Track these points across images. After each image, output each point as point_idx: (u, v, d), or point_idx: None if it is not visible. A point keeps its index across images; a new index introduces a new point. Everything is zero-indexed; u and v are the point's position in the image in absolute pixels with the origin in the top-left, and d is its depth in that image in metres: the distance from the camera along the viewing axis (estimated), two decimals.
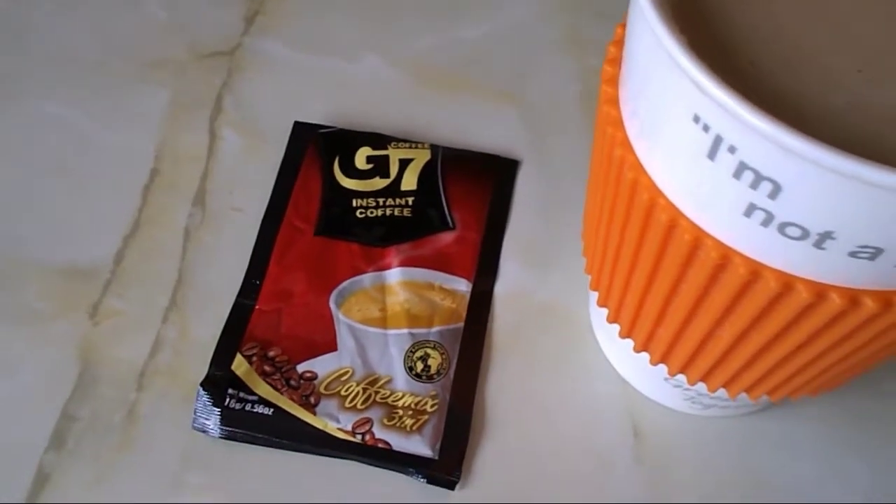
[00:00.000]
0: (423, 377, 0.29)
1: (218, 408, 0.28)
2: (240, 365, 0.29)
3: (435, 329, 0.30)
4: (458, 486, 0.27)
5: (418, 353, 0.29)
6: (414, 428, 0.27)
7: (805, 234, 0.16)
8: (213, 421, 0.28)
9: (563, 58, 0.37)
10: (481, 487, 0.27)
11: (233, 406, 0.28)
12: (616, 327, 0.25)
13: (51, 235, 0.32)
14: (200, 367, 0.29)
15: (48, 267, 0.32)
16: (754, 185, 0.15)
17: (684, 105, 0.16)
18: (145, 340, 0.30)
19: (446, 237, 0.32)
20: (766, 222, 0.16)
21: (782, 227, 0.16)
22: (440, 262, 0.31)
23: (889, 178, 0.13)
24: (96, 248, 0.32)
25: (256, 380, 0.28)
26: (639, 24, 0.16)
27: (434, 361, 0.29)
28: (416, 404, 0.28)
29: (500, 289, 0.31)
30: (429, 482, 0.27)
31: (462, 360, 0.29)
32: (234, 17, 0.39)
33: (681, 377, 0.25)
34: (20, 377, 0.29)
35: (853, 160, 0.13)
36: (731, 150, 0.15)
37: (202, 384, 0.28)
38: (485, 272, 0.31)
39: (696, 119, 0.15)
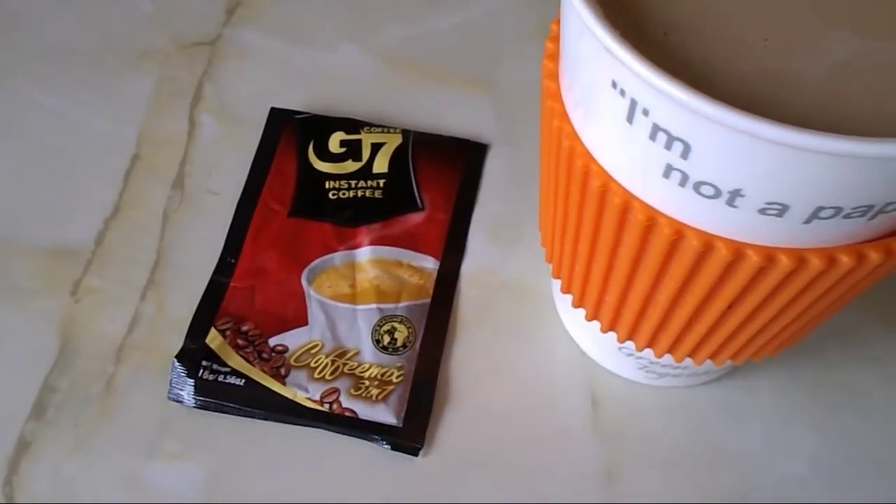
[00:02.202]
0: (390, 349, 0.30)
1: (192, 379, 0.29)
2: (214, 338, 0.30)
3: (402, 304, 0.31)
4: (421, 453, 0.28)
5: (385, 327, 0.30)
6: (379, 397, 0.29)
7: (718, 193, 0.17)
8: (187, 391, 0.29)
9: (533, 46, 0.38)
10: (444, 454, 0.28)
11: (206, 377, 0.29)
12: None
13: (36, 217, 0.34)
14: (176, 342, 0.30)
15: (33, 247, 0.33)
16: (668, 146, 0.16)
17: (603, 72, 0.17)
18: (124, 316, 0.31)
19: (415, 217, 0.33)
20: (683, 182, 0.17)
21: (697, 187, 0.17)
22: (409, 241, 0.32)
23: (784, 135, 0.14)
24: (79, 230, 0.33)
25: (229, 352, 0.30)
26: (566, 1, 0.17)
27: (400, 335, 0.30)
28: (383, 375, 0.29)
29: (467, 266, 0.32)
30: (393, 449, 0.28)
31: (428, 333, 0.30)
32: (216, 9, 0.40)
33: (633, 346, 0.26)
34: (3, 350, 0.30)
35: (749, 118, 0.14)
36: (645, 112, 0.16)
37: (177, 356, 0.29)
38: (452, 250, 0.32)
39: (614, 85, 0.17)
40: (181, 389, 0.29)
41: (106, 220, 0.34)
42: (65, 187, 0.34)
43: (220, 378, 0.29)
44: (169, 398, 0.29)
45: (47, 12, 0.40)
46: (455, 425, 0.29)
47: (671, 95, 0.15)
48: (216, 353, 0.30)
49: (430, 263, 0.32)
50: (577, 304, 0.26)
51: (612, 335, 0.26)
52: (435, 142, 0.35)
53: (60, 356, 0.30)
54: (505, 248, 0.33)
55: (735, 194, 0.17)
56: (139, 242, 0.33)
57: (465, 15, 0.39)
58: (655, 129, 0.16)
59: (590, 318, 0.26)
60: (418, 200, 0.33)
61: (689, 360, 0.25)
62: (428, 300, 0.31)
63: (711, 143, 0.16)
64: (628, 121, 0.17)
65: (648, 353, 0.26)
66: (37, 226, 0.33)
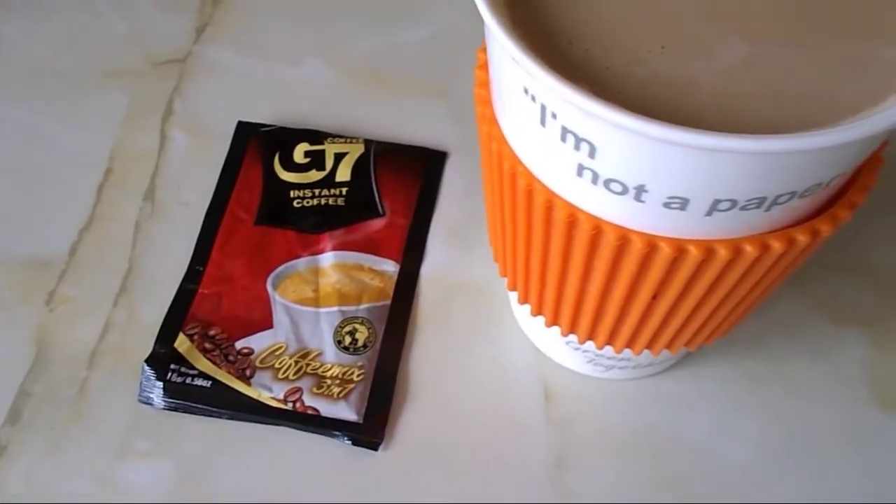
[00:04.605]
0: (351, 349, 0.31)
1: (161, 381, 0.30)
2: (182, 343, 0.31)
3: (363, 306, 0.32)
4: (381, 447, 0.29)
5: (347, 328, 0.31)
6: (341, 395, 0.30)
7: (625, 189, 0.18)
8: (156, 393, 0.30)
9: None
10: (403, 448, 0.30)
11: (174, 380, 0.30)
12: None
13: (12, 229, 0.35)
14: (147, 347, 0.31)
15: (9, 258, 0.34)
16: (577, 147, 0.18)
17: (516, 80, 0.18)
18: (96, 323, 0.32)
19: (377, 223, 0.34)
20: (595, 180, 0.19)
21: (607, 184, 0.18)
22: (370, 246, 0.33)
23: (673, 134, 0.16)
24: (54, 241, 0.35)
25: (197, 356, 0.31)
26: None
27: (361, 335, 0.31)
28: (344, 374, 0.30)
29: (427, 269, 0.34)
30: (354, 444, 0.29)
31: (388, 333, 0.32)
32: (186, 28, 0.41)
33: (577, 340, 0.28)
34: None
35: (639, 119, 0.16)
36: (554, 116, 0.18)
37: (146, 360, 0.31)
38: (412, 254, 0.34)
39: (526, 91, 0.18)
40: (151, 392, 0.30)
41: (80, 232, 0.35)
42: (40, 200, 0.36)
43: (188, 380, 0.30)
44: (139, 400, 0.30)
45: (24, 31, 0.41)
46: (414, 420, 0.30)
47: (571, 101, 0.16)
48: (184, 356, 0.31)
49: (391, 267, 0.33)
50: (522, 300, 0.27)
51: (558, 329, 0.27)
52: (396, 151, 0.36)
53: (35, 362, 0.32)
54: (462, 251, 0.34)
55: (640, 190, 0.18)
56: (112, 252, 0.34)
57: (424, 29, 0.40)
58: (564, 132, 0.18)
59: (535, 313, 0.27)
60: (379, 207, 0.34)
61: (631, 353, 0.27)
62: (388, 302, 0.32)
63: (613, 144, 0.17)
64: (541, 124, 0.18)
65: (592, 346, 0.27)
66: (13, 237, 0.35)
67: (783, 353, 0.31)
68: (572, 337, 0.27)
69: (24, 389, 0.31)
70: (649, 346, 0.25)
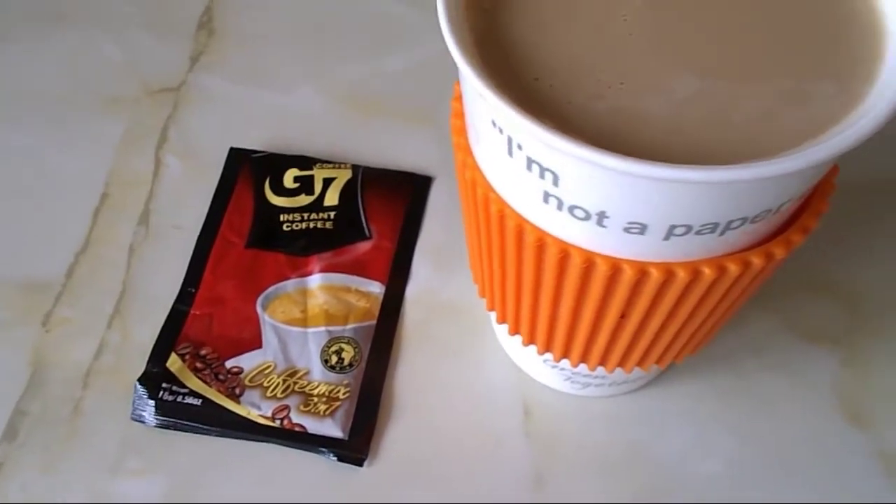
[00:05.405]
0: (337, 368, 0.32)
1: (153, 400, 0.31)
2: (174, 362, 0.32)
3: (350, 326, 0.33)
4: (366, 464, 0.30)
5: (333, 348, 0.32)
6: (327, 413, 0.31)
7: (588, 215, 0.19)
8: (148, 412, 0.31)
9: None
10: (387, 464, 0.31)
11: (166, 398, 0.31)
12: None
13: (10, 252, 0.36)
14: (140, 366, 0.32)
15: (7, 280, 0.35)
16: (542, 176, 0.19)
17: (485, 113, 0.19)
18: (91, 344, 0.33)
19: (363, 246, 0.35)
20: (560, 206, 0.20)
21: (571, 210, 0.20)
22: (357, 268, 0.35)
23: (626, 165, 0.17)
24: (50, 264, 0.36)
25: (188, 375, 0.32)
26: None
27: (347, 354, 0.32)
28: (330, 392, 0.31)
29: (411, 290, 0.35)
30: (340, 460, 0.30)
31: (373, 352, 0.33)
32: (181, 57, 0.43)
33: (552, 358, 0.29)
34: None
35: (595, 151, 0.17)
36: (520, 147, 0.19)
37: (139, 380, 0.32)
38: (397, 275, 0.35)
39: (493, 123, 0.19)
40: (143, 410, 0.31)
41: (76, 255, 0.36)
42: (38, 224, 0.37)
43: (179, 399, 0.31)
44: (132, 419, 0.31)
45: (24, 59, 0.43)
46: (398, 437, 0.31)
47: (533, 134, 0.17)
48: (176, 375, 0.32)
49: (377, 288, 0.34)
50: (500, 320, 0.28)
51: (535, 348, 0.28)
52: (382, 175, 0.37)
53: (31, 382, 0.33)
54: (446, 273, 0.35)
55: (602, 216, 0.19)
56: (107, 275, 0.35)
57: (410, 57, 0.42)
58: (530, 162, 0.19)
59: (512, 332, 0.28)
60: (366, 230, 0.36)
61: (604, 371, 0.28)
62: (374, 322, 0.33)
63: (574, 174, 0.18)
64: (509, 154, 0.20)
65: (568, 363, 0.28)
66: (11, 260, 0.36)
67: (755, 370, 0.32)
68: (549, 355, 0.28)
69: (21, 408, 0.32)
70: (621, 363, 0.27)
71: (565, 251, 0.21)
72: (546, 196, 0.20)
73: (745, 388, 0.32)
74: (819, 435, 0.31)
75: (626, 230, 0.19)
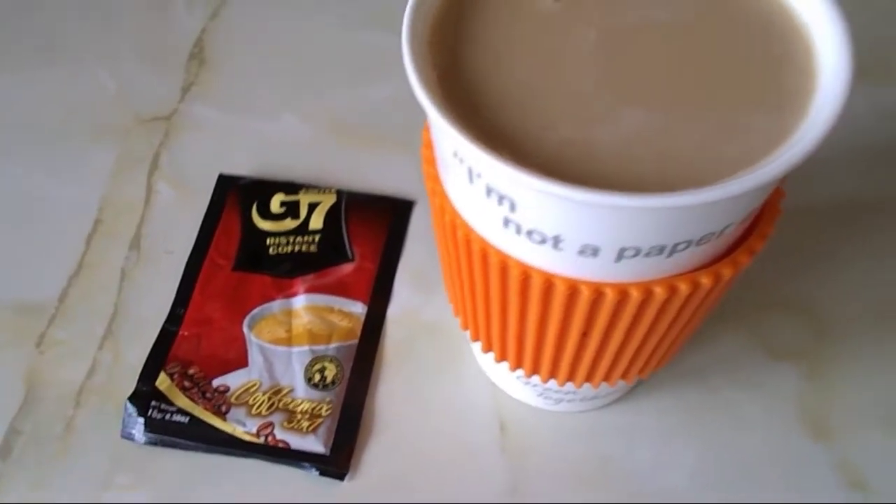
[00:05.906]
0: (320, 386, 0.33)
1: (142, 418, 0.32)
2: (163, 381, 0.33)
3: (332, 345, 0.34)
4: (347, 478, 0.32)
5: (316, 366, 0.34)
6: (310, 429, 0.32)
7: (544, 239, 0.21)
8: (138, 429, 0.32)
9: None
10: (368, 479, 0.32)
11: (155, 416, 0.32)
12: None
13: (5, 276, 0.37)
14: (130, 385, 0.34)
15: (2, 303, 0.36)
16: (500, 202, 0.20)
17: (447, 144, 0.21)
18: (83, 365, 0.35)
19: (346, 268, 0.37)
20: (519, 231, 0.21)
21: (529, 234, 0.21)
22: (340, 289, 0.36)
23: (576, 194, 0.18)
24: (44, 287, 0.37)
25: (177, 393, 0.33)
26: None
27: (330, 373, 0.34)
28: (313, 409, 0.33)
29: (393, 310, 0.36)
30: (322, 475, 0.32)
31: (355, 370, 0.34)
32: (173, 87, 0.44)
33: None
34: None
35: (547, 181, 0.18)
36: (479, 175, 0.20)
37: (129, 398, 0.33)
38: (379, 296, 0.36)
39: (455, 153, 0.21)
40: (133, 428, 0.33)
41: (70, 278, 0.37)
42: (32, 249, 0.38)
43: (168, 416, 0.32)
44: (122, 436, 0.33)
45: (17, 88, 0.44)
46: (378, 452, 0.32)
47: (489, 165, 0.19)
48: (165, 394, 0.33)
49: (359, 308, 0.36)
50: (474, 338, 0.29)
51: (504, 363, 0.29)
52: (366, 200, 0.39)
53: (25, 401, 0.34)
54: (427, 294, 0.36)
55: (557, 240, 0.21)
56: (99, 298, 0.37)
57: (391, 86, 0.43)
58: (489, 189, 0.20)
59: (485, 350, 0.29)
60: (349, 252, 0.37)
61: (573, 386, 0.29)
62: (356, 341, 0.35)
63: (528, 201, 0.20)
64: (470, 181, 0.21)
65: (539, 380, 0.30)
66: (6, 284, 0.37)
67: (722, 386, 0.33)
68: (521, 371, 0.29)
69: (15, 427, 0.33)
70: (588, 378, 0.28)
71: (526, 273, 0.22)
72: (506, 221, 0.21)
73: (712, 403, 0.33)
74: (783, 447, 0.32)
75: (581, 253, 0.21)
